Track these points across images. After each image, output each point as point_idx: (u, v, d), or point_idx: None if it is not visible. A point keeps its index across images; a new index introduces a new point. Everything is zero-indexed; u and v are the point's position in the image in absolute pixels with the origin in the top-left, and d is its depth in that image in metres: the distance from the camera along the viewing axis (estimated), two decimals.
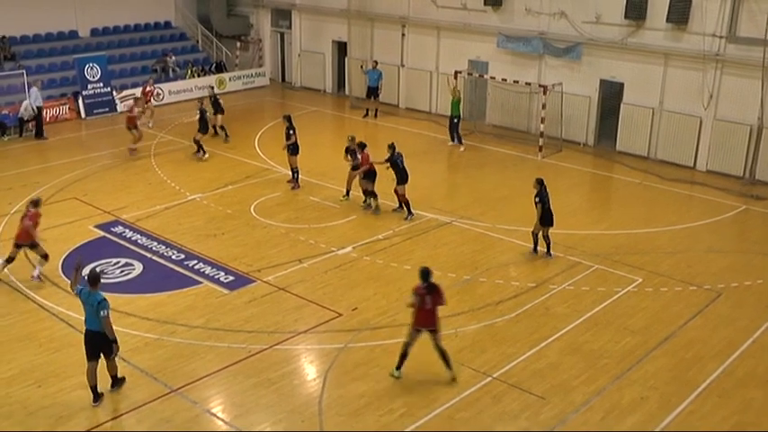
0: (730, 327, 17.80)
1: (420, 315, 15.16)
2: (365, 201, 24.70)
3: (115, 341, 14.48)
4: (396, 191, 24.01)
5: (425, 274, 15.06)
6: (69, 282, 15.42)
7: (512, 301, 18.87)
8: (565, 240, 22.01)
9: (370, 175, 24.26)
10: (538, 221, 21.05)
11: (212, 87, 35.22)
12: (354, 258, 21.09)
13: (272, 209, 24.30)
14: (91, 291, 14.46)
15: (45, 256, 19.61)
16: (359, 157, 24.43)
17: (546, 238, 21.18)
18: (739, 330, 17.65)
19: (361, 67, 37.43)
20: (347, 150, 25.35)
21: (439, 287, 15.19)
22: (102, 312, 14.23)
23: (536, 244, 21.40)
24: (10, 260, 19.52)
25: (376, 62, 36.59)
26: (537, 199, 20.94)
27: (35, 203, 19.85)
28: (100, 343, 14.51)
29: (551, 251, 21.27)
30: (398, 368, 15.57)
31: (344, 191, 25.15)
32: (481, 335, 17.30)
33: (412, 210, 23.89)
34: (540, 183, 21.19)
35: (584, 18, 30.78)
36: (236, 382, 15.56)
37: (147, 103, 33.89)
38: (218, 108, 31.53)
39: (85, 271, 16.00)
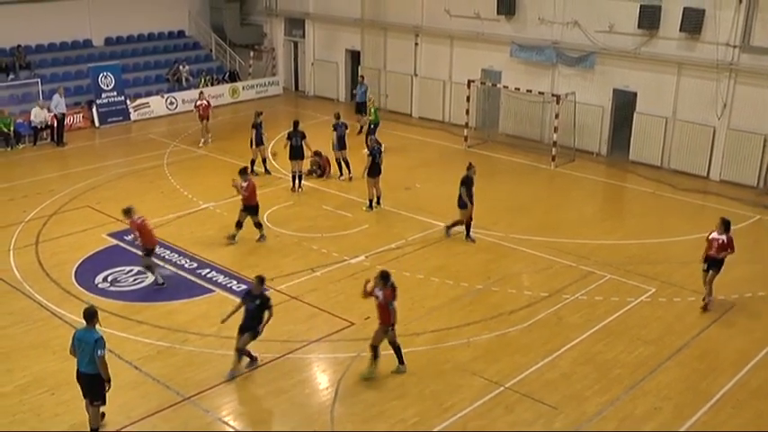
0: (744, 337, 17.72)
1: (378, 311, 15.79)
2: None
3: (108, 381, 13.70)
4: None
5: (385, 277, 15.77)
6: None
7: (524, 310, 18.83)
8: (578, 250, 21.96)
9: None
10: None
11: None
12: (367, 267, 21.07)
13: (284, 217, 24.32)
14: (87, 329, 13.70)
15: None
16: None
17: (468, 225, 22.55)
18: (753, 341, 17.57)
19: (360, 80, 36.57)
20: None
21: (394, 285, 15.78)
22: (98, 352, 13.39)
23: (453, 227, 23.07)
24: None
25: (362, 77, 36.44)
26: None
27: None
28: (91, 385, 13.77)
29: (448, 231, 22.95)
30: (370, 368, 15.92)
31: (367, 201, 25.28)
32: (494, 344, 17.27)
33: (381, 202, 25.15)
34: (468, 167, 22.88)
35: (598, 27, 30.74)
36: (249, 391, 15.58)
37: (202, 119, 32.67)
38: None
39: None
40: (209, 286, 19.91)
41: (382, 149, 25.25)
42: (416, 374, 15.96)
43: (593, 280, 20.40)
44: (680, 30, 28.47)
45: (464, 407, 15.00)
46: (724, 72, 27.84)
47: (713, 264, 18.82)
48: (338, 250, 22.08)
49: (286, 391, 15.52)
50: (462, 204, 22.43)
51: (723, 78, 27.94)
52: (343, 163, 28.26)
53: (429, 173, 29.25)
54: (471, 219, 22.69)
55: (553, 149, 30.24)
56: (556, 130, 30.22)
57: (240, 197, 22.55)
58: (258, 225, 22.79)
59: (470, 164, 22.93)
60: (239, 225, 22.57)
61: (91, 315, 13.73)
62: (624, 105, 31.30)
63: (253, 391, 15.55)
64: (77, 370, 13.85)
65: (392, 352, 15.91)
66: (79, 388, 13.99)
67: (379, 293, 15.60)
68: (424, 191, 27.23)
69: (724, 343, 17.49)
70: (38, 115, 32.62)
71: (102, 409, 14.10)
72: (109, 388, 13.82)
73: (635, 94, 30.53)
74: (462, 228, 22.94)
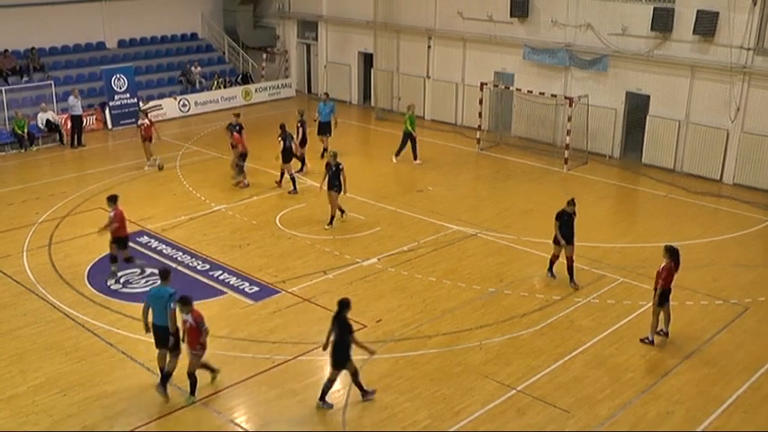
0: (757, 341, 17.64)
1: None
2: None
3: (175, 334, 15.16)
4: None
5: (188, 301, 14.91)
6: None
7: (537, 313, 18.80)
8: (590, 253, 21.90)
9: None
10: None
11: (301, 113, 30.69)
12: (379, 270, 21.09)
13: (296, 220, 24.34)
14: (161, 285, 15.48)
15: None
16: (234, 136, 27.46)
17: (569, 266, 20.25)
18: (766, 345, 17.48)
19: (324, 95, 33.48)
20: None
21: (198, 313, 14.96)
22: (171, 305, 14.99)
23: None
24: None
25: (327, 94, 33.63)
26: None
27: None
28: (165, 337, 15.27)
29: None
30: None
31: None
32: (506, 347, 17.24)
33: (333, 222, 23.99)
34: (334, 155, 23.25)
35: (611, 30, 30.68)
36: (260, 393, 15.60)
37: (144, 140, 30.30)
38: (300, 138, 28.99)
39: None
40: (222, 288, 19.93)
41: (341, 167, 23.50)
42: (428, 377, 15.95)
43: (606, 283, 20.35)
44: (693, 32, 28.38)
45: (476, 410, 14.99)
46: (737, 75, 27.73)
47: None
48: (351, 252, 22.09)
49: (298, 393, 15.53)
50: (555, 240, 20.18)
51: (737, 81, 27.83)
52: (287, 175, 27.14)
53: (441, 175, 29.23)
54: (572, 259, 20.19)
55: (566, 152, 30.18)
56: (568, 132, 30.15)
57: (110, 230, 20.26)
58: (123, 260, 20.60)
59: (572, 200, 20.19)
60: (114, 259, 20.38)
61: (166, 273, 15.64)
62: (637, 108, 31.22)
63: (264, 393, 15.56)
64: (152, 323, 15.35)
65: (367, 357, 15.75)
66: (153, 340, 15.53)
67: (188, 317, 14.80)
68: (437, 193, 27.21)
69: (736, 347, 17.41)
70: (41, 118, 32.99)
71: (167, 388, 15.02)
72: (175, 339, 15.22)
73: (648, 97, 30.44)
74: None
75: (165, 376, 15.30)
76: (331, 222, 23.83)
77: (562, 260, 20.16)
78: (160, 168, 29.40)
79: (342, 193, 23.71)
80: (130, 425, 14.45)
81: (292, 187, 26.88)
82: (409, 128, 30.35)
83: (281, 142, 26.77)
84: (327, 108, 31.33)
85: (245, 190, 26.99)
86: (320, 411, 14.97)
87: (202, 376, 15.41)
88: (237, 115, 29.05)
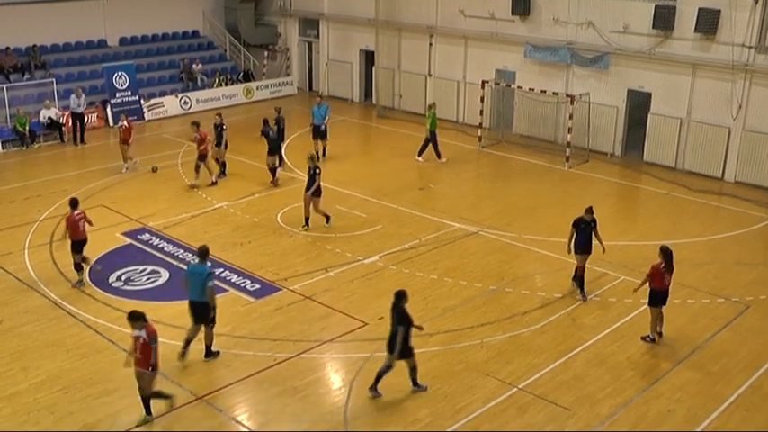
0: (758, 340, 17.65)
1: None
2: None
3: (214, 308, 16.22)
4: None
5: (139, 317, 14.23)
6: None
7: (538, 311, 18.81)
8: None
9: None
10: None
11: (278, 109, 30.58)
12: (381, 267, 21.10)
13: (298, 217, 24.29)
14: (199, 263, 16.42)
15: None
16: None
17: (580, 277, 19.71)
18: (767, 344, 17.48)
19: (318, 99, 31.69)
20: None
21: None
22: (208, 283, 15.94)
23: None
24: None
25: (321, 96, 32.44)
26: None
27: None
28: (200, 312, 16.17)
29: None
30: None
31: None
32: (507, 345, 17.25)
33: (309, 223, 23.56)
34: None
35: (612, 28, 30.67)
36: (262, 390, 15.61)
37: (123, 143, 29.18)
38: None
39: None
40: (223, 286, 19.91)
41: (318, 172, 23.06)
42: (429, 375, 15.95)
43: (607, 281, 20.36)
44: (695, 30, 28.38)
45: (477, 408, 15.00)
46: (739, 73, 27.72)
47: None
48: (352, 250, 22.10)
49: (299, 390, 15.55)
50: (570, 249, 19.51)
51: (738, 79, 27.82)
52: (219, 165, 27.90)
53: (443, 173, 29.23)
54: (583, 270, 19.61)
55: (567, 150, 30.18)
56: (570, 130, 30.14)
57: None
58: (79, 267, 20.00)
59: (590, 208, 19.42)
60: (79, 267, 19.97)
61: (204, 252, 16.50)
62: (638, 106, 31.20)
63: (266, 391, 15.57)
64: (189, 300, 16.31)
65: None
66: (190, 315, 16.38)
67: (141, 333, 14.01)
68: (438, 191, 27.22)
69: (737, 346, 17.41)
70: (44, 115, 33.08)
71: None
72: (215, 314, 16.30)
73: (649, 95, 30.43)
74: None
75: (187, 344, 16.35)
76: (306, 224, 23.52)
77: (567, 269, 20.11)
78: (154, 171, 29.00)
79: (308, 193, 23.10)
80: (132, 423, 14.46)
81: (272, 178, 27.41)
82: (431, 126, 30.28)
83: (265, 137, 27.32)
84: (321, 111, 30.30)
85: (245, 188, 26.97)
86: (320, 409, 14.98)
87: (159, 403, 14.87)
88: (220, 115, 28.80)
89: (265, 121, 27.88)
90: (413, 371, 15.39)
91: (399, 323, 14.95)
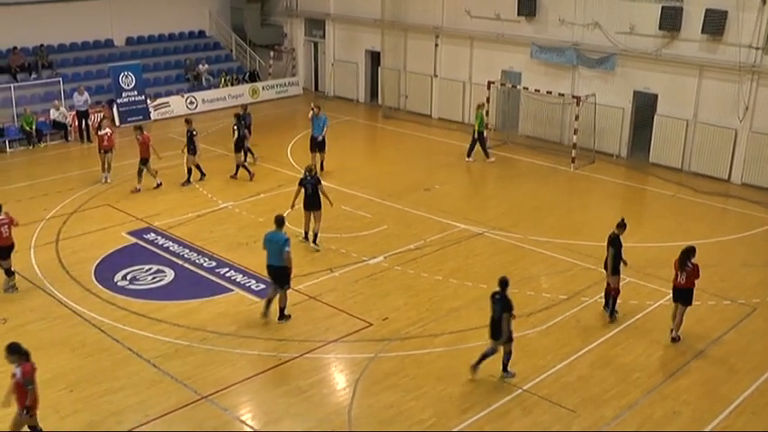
0: (765, 342, 17.59)
1: None
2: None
3: (290, 272, 17.84)
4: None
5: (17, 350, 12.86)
6: None
7: (543, 312, 18.77)
8: (597, 252, 21.76)
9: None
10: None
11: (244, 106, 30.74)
12: (385, 268, 21.08)
13: (304, 218, 24.30)
14: (276, 231, 17.73)
15: None
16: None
17: (613, 297, 18.68)
18: None
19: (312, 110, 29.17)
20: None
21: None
22: (286, 248, 17.38)
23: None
24: None
25: (318, 107, 29.04)
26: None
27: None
28: (279, 275, 17.66)
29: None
30: None
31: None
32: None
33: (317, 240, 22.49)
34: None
35: (618, 29, 30.62)
36: (266, 390, 15.61)
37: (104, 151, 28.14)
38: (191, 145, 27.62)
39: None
40: (228, 285, 19.95)
41: (311, 180, 22.15)
42: (434, 376, 15.94)
43: None
44: (702, 31, 28.30)
45: (482, 409, 14.96)
46: (746, 74, 27.65)
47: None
48: (357, 250, 22.08)
49: (304, 390, 15.53)
50: (614, 269, 18.22)
51: (745, 81, 27.75)
52: (194, 169, 27.64)
53: (448, 174, 29.21)
54: (617, 291, 18.58)
55: (573, 151, 30.13)
56: (576, 131, 30.12)
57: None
58: (9, 272, 19.59)
59: (622, 221, 18.47)
60: (9, 273, 19.56)
61: (281, 221, 17.98)
62: (645, 107, 31.16)
63: (270, 391, 15.57)
64: (268, 264, 17.83)
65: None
66: (270, 279, 18.02)
67: (17, 370, 12.70)
68: (443, 192, 27.18)
69: (744, 348, 17.36)
70: (62, 114, 33.22)
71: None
72: (291, 278, 18.05)
73: (656, 96, 30.38)
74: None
75: (269, 304, 18.03)
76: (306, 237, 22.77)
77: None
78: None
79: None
80: (136, 421, 14.45)
81: (233, 172, 28.09)
82: (479, 126, 30.40)
83: (236, 131, 27.86)
84: (320, 122, 28.50)
85: (250, 187, 26.97)
86: (325, 409, 14.97)
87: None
88: (189, 121, 28.09)
89: (237, 116, 28.60)
90: (507, 356, 15.85)
91: (504, 310, 15.54)
